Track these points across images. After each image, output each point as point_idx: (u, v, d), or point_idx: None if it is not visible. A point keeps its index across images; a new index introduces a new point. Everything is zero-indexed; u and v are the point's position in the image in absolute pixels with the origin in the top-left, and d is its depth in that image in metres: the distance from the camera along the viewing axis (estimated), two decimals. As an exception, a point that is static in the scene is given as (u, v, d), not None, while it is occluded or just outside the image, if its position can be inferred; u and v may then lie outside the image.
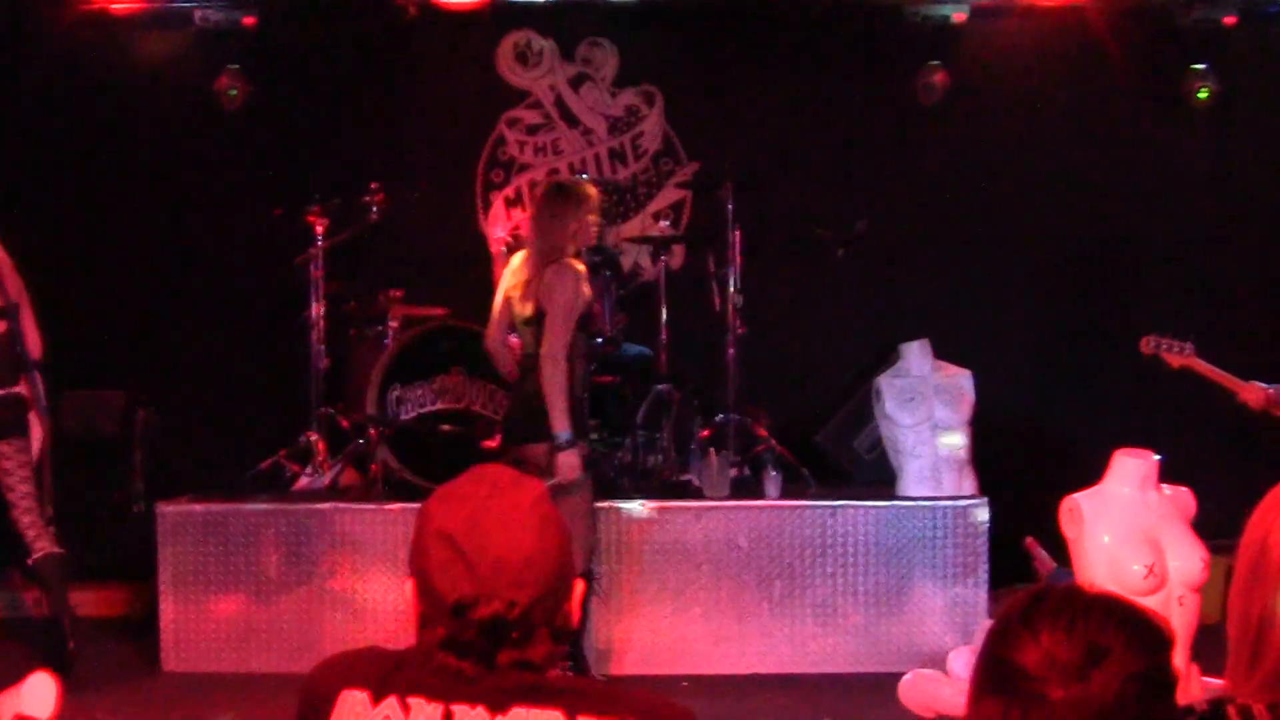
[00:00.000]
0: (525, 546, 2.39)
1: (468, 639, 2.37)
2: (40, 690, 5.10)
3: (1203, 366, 7.06)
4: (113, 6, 9.56)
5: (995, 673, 2.10)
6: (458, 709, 2.38)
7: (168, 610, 7.68)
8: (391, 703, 2.40)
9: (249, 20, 9.63)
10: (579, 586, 2.51)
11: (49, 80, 9.68)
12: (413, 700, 2.40)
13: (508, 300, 6.92)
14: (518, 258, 6.97)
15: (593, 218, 6.93)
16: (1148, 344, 7.15)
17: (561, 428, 6.57)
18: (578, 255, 6.93)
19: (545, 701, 2.38)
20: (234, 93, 9.73)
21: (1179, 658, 5.27)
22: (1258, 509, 2.60)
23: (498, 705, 2.37)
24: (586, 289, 6.74)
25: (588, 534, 6.87)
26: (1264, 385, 7.06)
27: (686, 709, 2.47)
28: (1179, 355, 7.06)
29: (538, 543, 2.41)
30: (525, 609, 2.37)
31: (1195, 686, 5.23)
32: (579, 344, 6.79)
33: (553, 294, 6.65)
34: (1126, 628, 2.07)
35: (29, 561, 7.24)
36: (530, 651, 2.40)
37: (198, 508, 7.78)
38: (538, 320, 6.69)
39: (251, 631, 7.67)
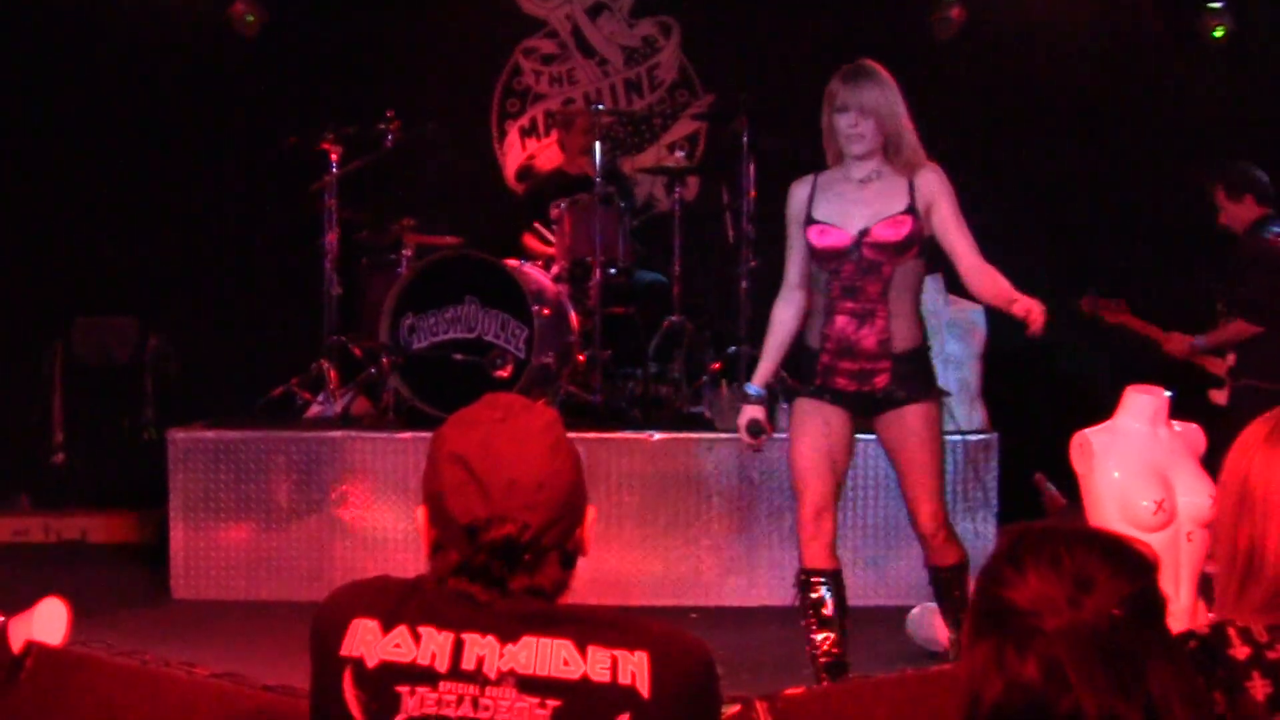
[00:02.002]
0: (537, 469, 2.41)
1: (480, 562, 2.39)
2: (51, 616, 5.11)
3: (1134, 321, 7.53)
4: (127, -67, 9.53)
5: (988, 614, 2.13)
6: (468, 637, 2.39)
7: (178, 538, 7.71)
8: (402, 631, 2.42)
9: (266, -54, 9.60)
10: (591, 512, 2.53)
11: (63, 8, 9.64)
12: (423, 629, 2.41)
13: None
14: None
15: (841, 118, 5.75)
16: (1087, 304, 7.57)
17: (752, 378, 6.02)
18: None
19: (555, 630, 2.39)
20: (250, 19, 9.72)
21: (1185, 592, 5.31)
22: (1235, 448, 2.71)
23: (508, 634, 2.39)
24: (797, 207, 5.78)
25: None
26: (1185, 335, 7.58)
27: (697, 639, 2.49)
28: (1114, 313, 7.52)
29: (550, 465, 2.43)
30: (537, 531, 2.39)
31: (1202, 620, 5.24)
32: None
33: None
34: (1110, 556, 2.10)
35: None
36: (541, 576, 2.42)
37: (209, 435, 7.80)
38: None
39: (262, 559, 7.71)
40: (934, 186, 5.58)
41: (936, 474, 5.74)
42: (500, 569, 2.39)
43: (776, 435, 7.72)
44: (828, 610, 5.69)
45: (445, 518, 2.42)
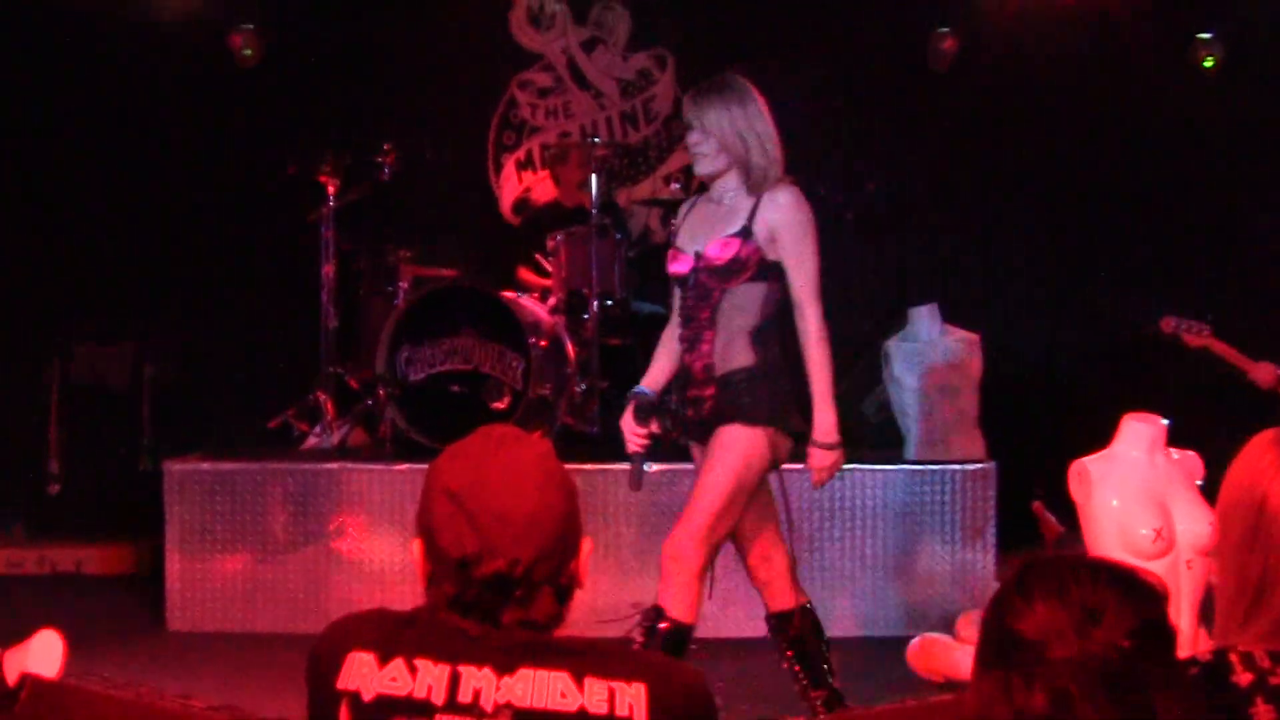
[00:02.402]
0: (528, 503, 2.41)
1: (472, 596, 2.39)
2: (46, 648, 5.12)
3: (1219, 346, 7.05)
4: (129, -40, 9.56)
5: (996, 645, 2.13)
6: (464, 670, 2.39)
7: (174, 568, 7.70)
8: (398, 664, 2.42)
9: (264, -22, 9.63)
10: (586, 545, 2.52)
11: (64, 34, 9.67)
12: (419, 661, 2.41)
13: None
14: None
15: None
16: (1168, 324, 7.12)
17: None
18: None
19: (552, 662, 2.40)
20: (248, 52, 9.73)
21: (1185, 620, 5.30)
22: (1242, 465, 2.66)
23: (504, 666, 2.39)
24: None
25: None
26: (1275, 365, 7.07)
27: (695, 670, 2.49)
28: (1197, 336, 7.05)
29: (540, 499, 2.42)
30: (528, 566, 2.38)
31: (1203, 647, 5.23)
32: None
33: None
34: (1118, 586, 2.11)
35: None
36: (534, 610, 2.42)
37: (205, 465, 7.80)
38: None
39: (257, 590, 7.70)
40: (776, 211, 5.22)
41: (707, 497, 5.16)
42: (492, 603, 2.39)
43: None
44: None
45: (438, 552, 2.42)
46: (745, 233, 5.16)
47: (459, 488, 2.42)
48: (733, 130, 5.31)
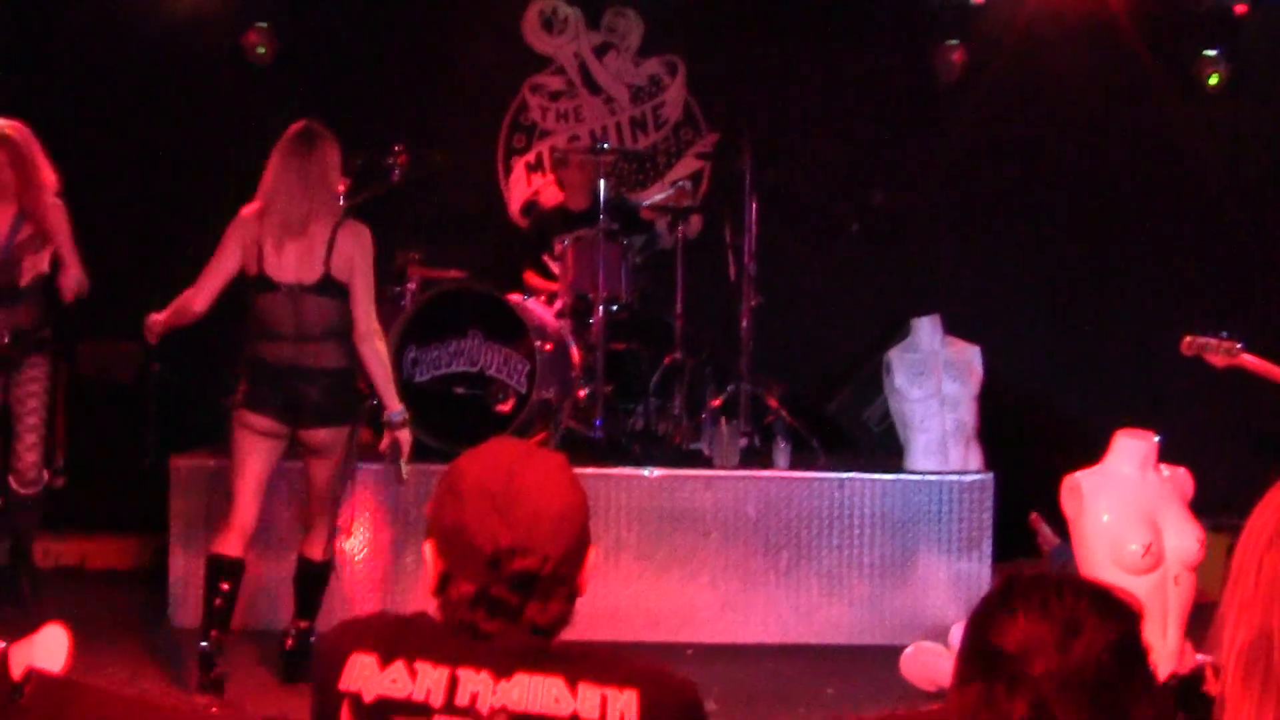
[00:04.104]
0: (559, 502, 2.49)
1: (497, 593, 2.45)
2: (52, 643, 5.15)
3: (1252, 363, 6.67)
4: (144, -40, 9.62)
5: (977, 658, 2.20)
6: (463, 673, 2.45)
7: (177, 564, 7.74)
8: (399, 666, 2.48)
9: (280, -22, 9.69)
10: (592, 554, 2.59)
11: (79, 32, 9.73)
12: (420, 664, 2.47)
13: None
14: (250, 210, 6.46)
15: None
16: (1189, 345, 6.71)
17: (397, 403, 6.62)
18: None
19: (548, 668, 2.45)
20: (262, 50, 9.79)
21: (1172, 633, 5.37)
22: (1265, 516, 2.38)
23: (502, 670, 2.45)
24: None
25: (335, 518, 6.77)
26: None
27: (686, 679, 2.55)
28: (1225, 356, 6.65)
29: (568, 501, 2.51)
30: (557, 562, 2.46)
31: (1189, 662, 5.29)
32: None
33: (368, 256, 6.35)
34: (1097, 602, 2.18)
35: (23, 493, 7.45)
36: (551, 608, 2.49)
37: (210, 462, 7.84)
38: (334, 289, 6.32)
39: (261, 588, 7.70)
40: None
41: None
42: (516, 599, 2.46)
43: (770, 472, 7.82)
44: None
45: (465, 548, 2.47)
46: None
47: (494, 487, 2.48)
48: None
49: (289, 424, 6.42)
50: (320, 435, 6.42)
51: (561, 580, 2.48)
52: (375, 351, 6.38)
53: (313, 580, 6.69)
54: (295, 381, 6.37)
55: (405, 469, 6.69)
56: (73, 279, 7.46)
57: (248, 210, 6.41)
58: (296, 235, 6.26)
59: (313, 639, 6.52)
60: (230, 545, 6.38)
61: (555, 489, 2.50)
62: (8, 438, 7.45)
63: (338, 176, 6.56)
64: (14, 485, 7.42)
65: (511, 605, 2.45)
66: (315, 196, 6.30)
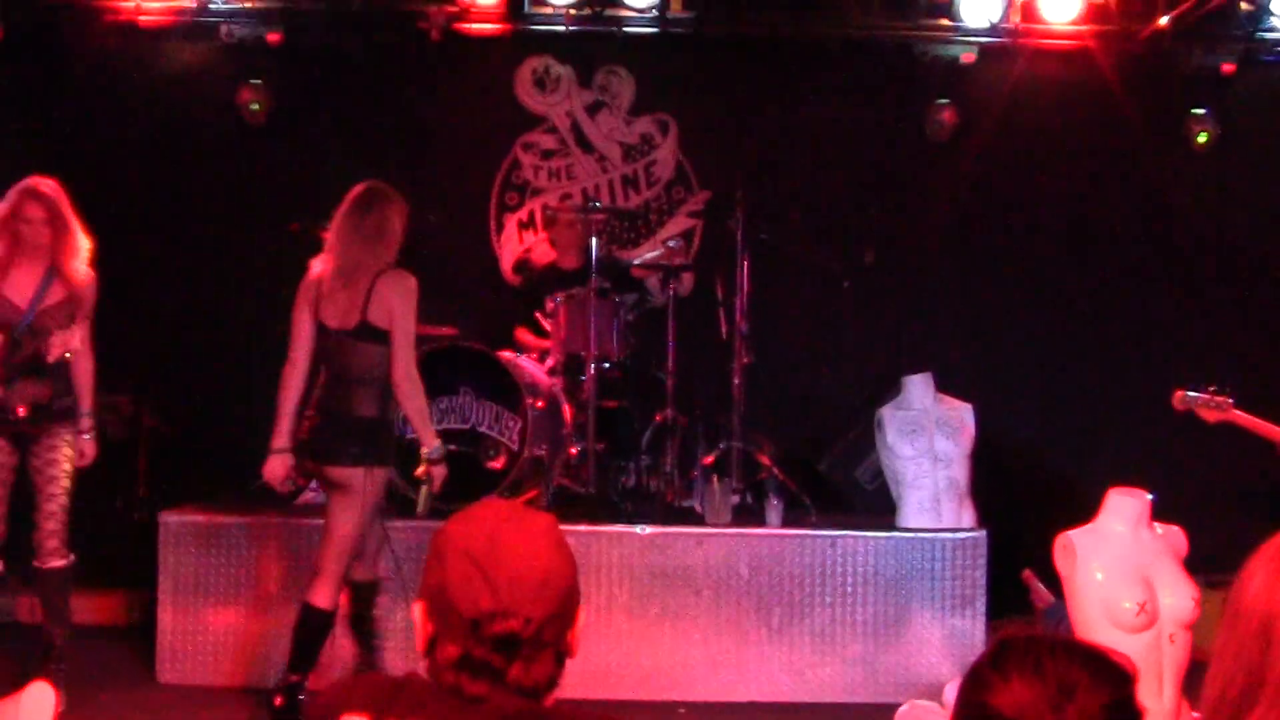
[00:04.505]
0: (541, 566, 2.47)
1: (480, 655, 2.43)
2: (38, 700, 5.12)
3: (1242, 419, 6.65)
4: (141, 19, 9.65)
5: (972, 719, 2.18)
6: (453, 734, 2.44)
7: (165, 620, 7.70)
8: (390, 727, 2.46)
9: (274, 36, 9.70)
10: (582, 616, 2.58)
11: (76, 90, 9.79)
12: (410, 726, 2.46)
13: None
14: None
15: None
16: (1181, 401, 6.68)
17: (434, 439, 6.72)
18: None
19: (539, 730, 2.44)
20: (256, 107, 9.85)
21: (1169, 692, 5.34)
22: (1261, 570, 2.41)
23: (494, 732, 2.43)
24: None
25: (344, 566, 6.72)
26: None
27: None
28: (1215, 411, 6.64)
29: (552, 562, 2.49)
30: (539, 625, 2.44)
31: (1185, 721, 5.28)
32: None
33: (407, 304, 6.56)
34: (1091, 664, 2.17)
35: (44, 568, 7.17)
36: (536, 670, 2.46)
37: (200, 517, 7.82)
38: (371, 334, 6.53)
39: (249, 645, 7.69)
40: None
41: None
42: (500, 662, 2.44)
43: (762, 530, 7.79)
44: None
45: (449, 611, 2.46)
46: None
47: (474, 549, 2.47)
48: None
49: (314, 460, 6.62)
50: (335, 472, 6.50)
51: (546, 643, 2.47)
52: (407, 394, 6.55)
53: (313, 630, 6.63)
54: (323, 421, 6.55)
55: (423, 502, 6.73)
56: (89, 448, 7.29)
57: (313, 266, 6.72)
58: (345, 285, 6.54)
59: (302, 696, 6.47)
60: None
61: (538, 551, 2.49)
62: (22, 510, 7.25)
63: (396, 233, 6.71)
64: (38, 565, 7.16)
65: (495, 667, 2.44)
66: (366, 249, 6.55)
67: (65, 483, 7.20)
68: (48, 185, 7.24)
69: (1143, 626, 5.33)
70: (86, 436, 7.25)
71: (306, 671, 6.60)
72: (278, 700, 6.55)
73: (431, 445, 6.65)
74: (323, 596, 6.58)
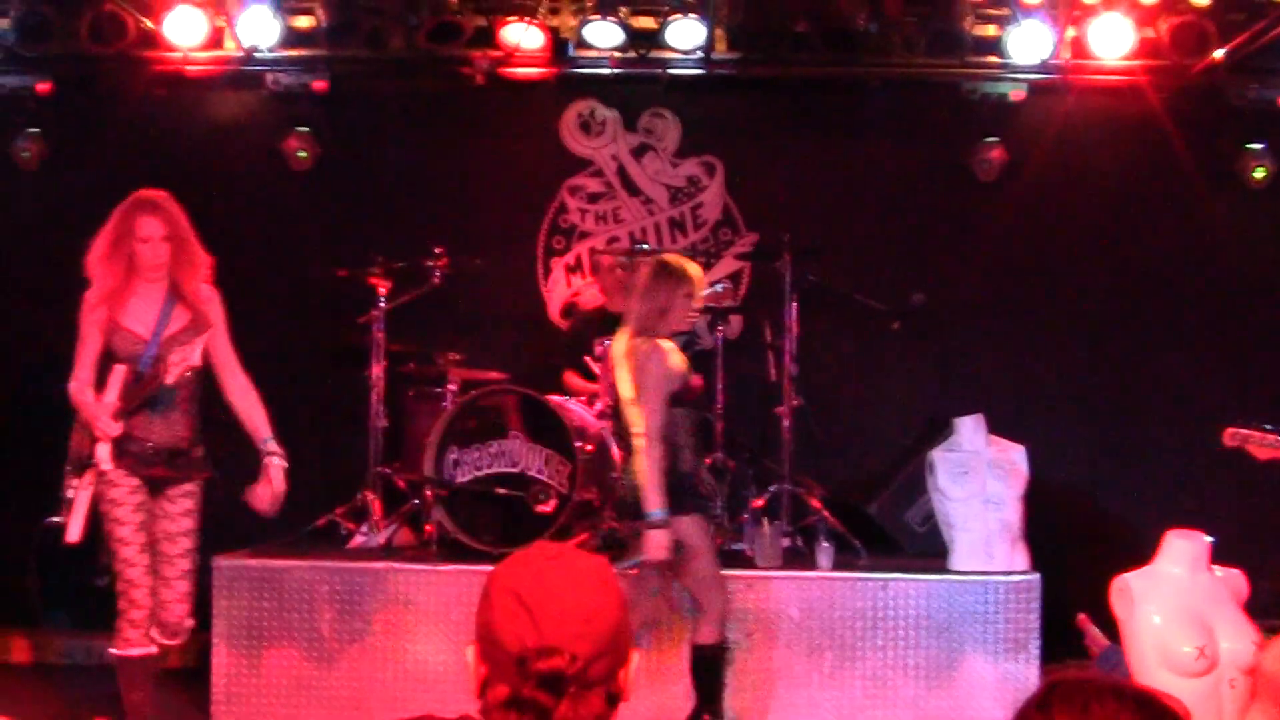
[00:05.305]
0: (587, 604, 2.46)
1: (527, 694, 2.42)
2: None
3: None
4: (187, 69, 9.74)
5: None
6: (506, 775, 2.43)
7: (220, 663, 7.73)
8: (444, 768, 2.46)
9: (319, 84, 9.78)
10: (634, 658, 2.56)
11: (123, 140, 9.86)
12: (463, 766, 2.45)
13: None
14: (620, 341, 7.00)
15: (689, 300, 6.95)
16: (1232, 437, 6.53)
17: (650, 507, 6.67)
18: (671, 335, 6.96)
19: (594, 770, 2.43)
20: (303, 154, 9.92)
21: (1228, 740, 5.27)
22: None
23: (548, 773, 2.42)
24: (674, 365, 6.79)
25: (713, 600, 7.06)
26: None
27: None
28: (1268, 449, 6.48)
29: (598, 599, 2.47)
30: (585, 663, 2.42)
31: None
32: (677, 421, 6.87)
33: (642, 373, 6.78)
34: (1140, 708, 2.12)
35: (164, 643, 6.60)
36: (584, 709, 2.44)
37: (253, 562, 7.85)
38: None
39: (302, 688, 7.71)
40: None
41: None
42: (547, 701, 2.42)
43: (812, 573, 7.76)
44: None
45: (496, 649, 2.46)
46: None
47: (519, 587, 2.47)
48: None
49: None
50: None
51: (594, 681, 2.44)
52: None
53: (706, 665, 7.06)
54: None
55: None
56: (269, 494, 6.61)
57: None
58: None
59: None
60: None
61: (584, 589, 2.48)
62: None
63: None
64: (157, 637, 6.52)
65: (542, 705, 2.42)
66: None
67: (195, 553, 6.68)
68: (161, 196, 6.64)
69: (1202, 671, 5.26)
70: (277, 461, 6.67)
71: (717, 707, 7.07)
72: None
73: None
74: (706, 634, 7.02)
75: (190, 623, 6.62)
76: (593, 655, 2.43)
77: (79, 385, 6.43)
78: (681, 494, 6.79)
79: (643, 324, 6.88)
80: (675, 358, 6.80)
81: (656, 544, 6.66)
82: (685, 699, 7.20)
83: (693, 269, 6.99)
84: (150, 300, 6.54)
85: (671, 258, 7.11)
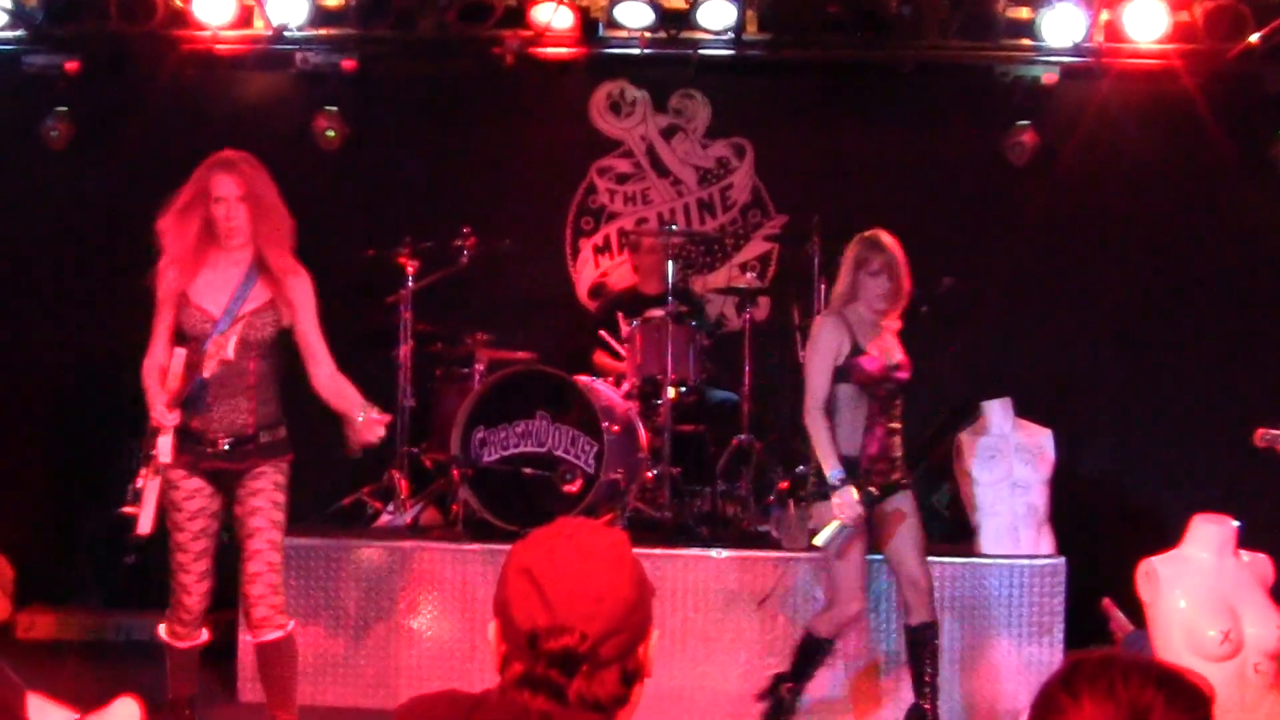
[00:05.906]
0: (597, 582, 2.45)
1: (540, 672, 2.42)
2: (125, 715, 5.16)
3: None
4: (217, 48, 9.74)
5: None
6: (528, 752, 2.43)
7: (247, 640, 7.75)
8: (467, 745, 2.46)
9: (348, 63, 9.76)
10: (654, 634, 2.56)
11: (152, 119, 9.87)
12: (487, 743, 2.45)
13: None
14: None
15: (874, 280, 6.86)
16: (1262, 438, 6.49)
17: (830, 468, 6.57)
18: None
19: (614, 746, 2.43)
20: (331, 134, 9.92)
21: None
22: None
23: (567, 748, 2.42)
24: (837, 341, 6.71)
25: (917, 575, 6.83)
26: None
27: None
28: None
29: (609, 579, 2.47)
30: (595, 641, 2.42)
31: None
32: (846, 395, 6.72)
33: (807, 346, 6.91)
34: (1166, 687, 2.11)
35: (256, 642, 6.27)
36: (598, 687, 2.44)
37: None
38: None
39: (328, 665, 7.75)
40: None
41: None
42: (559, 679, 2.43)
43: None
44: None
45: (511, 627, 2.47)
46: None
47: (532, 565, 2.47)
48: None
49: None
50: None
51: (607, 659, 2.44)
52: None
53: (809, 652, 7.02)
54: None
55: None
56: (369, 428, 6.01)
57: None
58: None
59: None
60: None
61: (595, 567, 2.47)
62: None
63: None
64: (248, 637, 6.32)
65: (556, 684, 2.42)
66: None
67: (273, 534, 6.15)
68: (241, 155, 6.09)
69: (1227, 656, 5.25)
70: (374, 414, 6.10)
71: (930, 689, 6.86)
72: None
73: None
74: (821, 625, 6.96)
75: (279, 619, 6.18)
76: (604, 634, 2.43)
77: (149, 365, 6.01)
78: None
79: (832, 300, 6.99)
80: (836, 335, 6.72)
81: (844, 504, 6.52)
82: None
83: (877, 241, 7.00)
84: (227, 274, 6.01)
85: (868, 234, 7.10)
